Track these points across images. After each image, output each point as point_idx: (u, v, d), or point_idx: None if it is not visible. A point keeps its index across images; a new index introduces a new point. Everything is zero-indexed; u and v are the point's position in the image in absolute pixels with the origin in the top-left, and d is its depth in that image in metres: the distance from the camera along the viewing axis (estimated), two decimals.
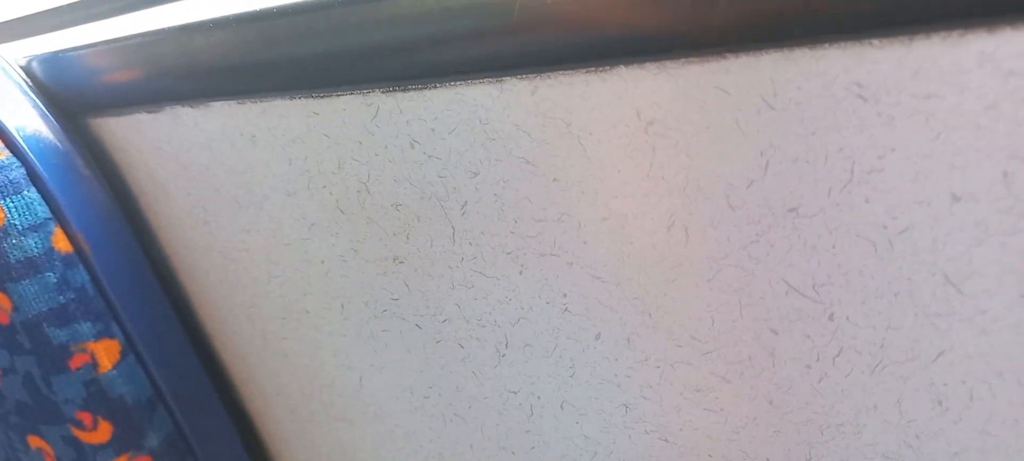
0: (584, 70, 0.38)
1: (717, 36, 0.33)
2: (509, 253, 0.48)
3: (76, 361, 0.67)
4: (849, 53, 0.31)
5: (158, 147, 0.60)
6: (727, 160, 0.36)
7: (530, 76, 0.40)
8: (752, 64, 0.33)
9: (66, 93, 0.62)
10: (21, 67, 0.64)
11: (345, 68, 0.45)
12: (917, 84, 0.30)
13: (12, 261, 0.62)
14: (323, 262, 0.58)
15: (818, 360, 0.40)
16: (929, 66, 0.30)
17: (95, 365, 0.68)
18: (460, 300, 0.53)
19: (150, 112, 0.58)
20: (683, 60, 0.35)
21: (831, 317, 0.39)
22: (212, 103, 0.54)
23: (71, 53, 0.60)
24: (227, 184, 0.58)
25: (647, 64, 0.36)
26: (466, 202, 0.47)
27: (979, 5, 0.27)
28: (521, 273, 0.48)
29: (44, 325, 0.65)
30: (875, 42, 0.30)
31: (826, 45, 0.31)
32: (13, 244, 0.62)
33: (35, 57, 0.62)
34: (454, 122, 0.44)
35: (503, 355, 0.54)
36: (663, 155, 0.38)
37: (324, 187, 0.53)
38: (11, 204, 0.62)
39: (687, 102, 0.36)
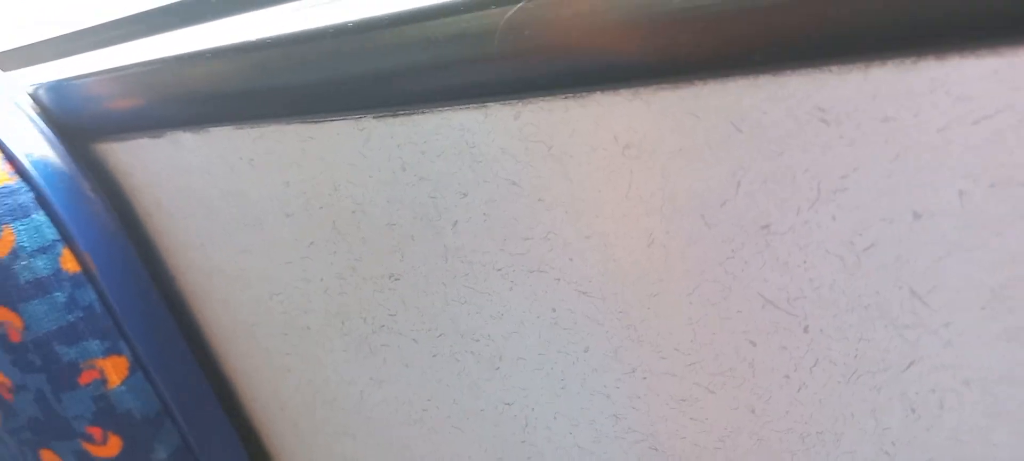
0: (563, 96, 0.39)
1: (686, 64, 0.34)
2: (499, 270, 0.49)
3: (85, 377, 0.69)
4: (810, 79, 0.32)
5: (160, 171, 0.62)
6: (700, 181, 0.38)
7: (513, 102, 0.41)
8: (720, 91, 0.35)
9: (71, 119, 0.64)
10: (29, 94, 0.66)
11: (337, 95, 0.47)
12: (875, 107, 0.32)
13: (22, 282, 0.64)
14: (322, 280, 0.60)
15: (796, 370, 0.42)
16: (885, 91, 0.31)
17: (104, 381, 0.70)
18: (454, 315, 0.54)
19: (152, 137, 0.60)
20: (655, 87, 0.36)
21: (806, 329, 0.40)
22: (211, 129, 0.56)
23: (76, 81, 0.62)
24: (226, 206, 0.60)
25: (622, 90, 0.37)
26: (456, 221, 0.49)
27: (928, 35, 0.29)
28: (511, 289, 0.50)
29: (54, 343, 0.67)
30: (834, 68, 0.32)
31: (788, 72, 0.33)
32: (23, 266, 0.64)
33: (41, 85, 0.64)
34: (442, 146, 0.45)
35: (497, 368, 0.55)
36: (640, 177, 0.40)
37: (321, 208, 0.55)
38: (20, 227, 0.64)
39: (660, 126, 0.37)
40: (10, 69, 0.76)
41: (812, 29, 0.30)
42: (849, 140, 0.33)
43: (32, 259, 0.64)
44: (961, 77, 0.29)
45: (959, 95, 0.30)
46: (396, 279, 0.55)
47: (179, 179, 0.62)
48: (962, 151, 0.31)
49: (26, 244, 0.64)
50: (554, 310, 0.49)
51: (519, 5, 0.36)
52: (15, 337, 0.67)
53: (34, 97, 0.65)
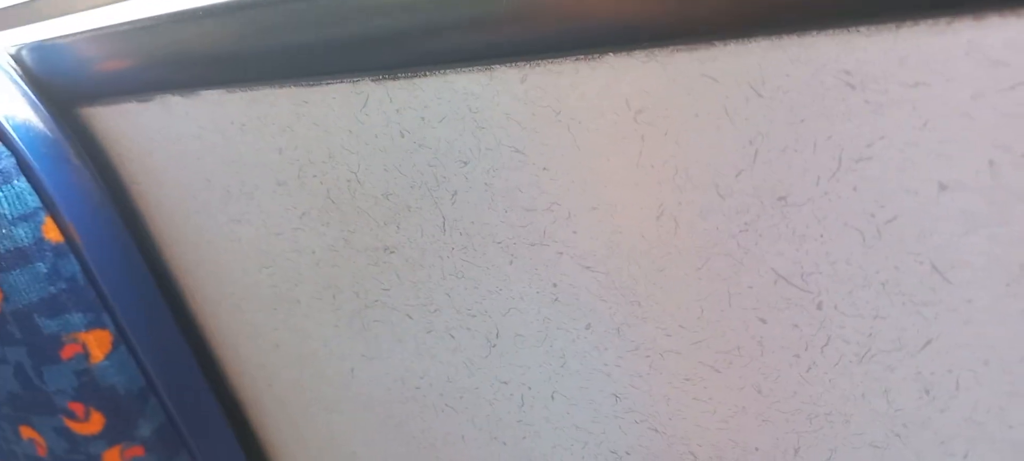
0: (573, 58, 0.38)
1: (705, 24, 0.33)
2: (499, 243, 0.48)
3: (67, 351, 0.67)
4: (837, 41, 0.31)
5: (149, 136, 0.60)
6: (716, 149, 0.36)
7: (519, 64, 0.39)
8: (741, 52, 0.33)
9: (56, 82, 0.62)
10: (11, 56, 0.63)
11: (334, 57, 0.45)
12: (905, 72, 0.30)
13: (2, 251, 0.62)
14: (314, 252, 0.58)
15: (806, 349, 0.40)
16: (916, 54, 0.30)
17: (87, 355, 0.68)
18: (450, 290, 0.53)
19: (141, 101, 0.58)
20: (672, 48, 0.35)
21: (819, 306, 0.39)
22: (202, 92, 0.54)
23: (61, 42, 0.59)
24: (217, 174, 0.58)
25: (636, 52, 0.36)
26: (456, 191, 0.47)
27: None
28: (511, 263, 0.48)
29: (35, 315, 0.65)
30: (863, 30, 0.30)
31: (814, 33, 0.31)
32: (3, 234, 0.62)
33: (25, 46, 0.62)
34: (444, 111, 0.44)
35: (494, 345, 0.54)
36: (652, 144, 0.38)
37: (314, 177, 0.53)
38: (1, 194, 0.61)
39: (676, 90, 0.36)
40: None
41: None
42: (875, 106, 0.31)
43: (13, 227, 0.62)
44: (999, 40, 0.28)
45: (997, 59, 0.28)
46: (391, 252, 0.53)
47: (169, 146, 0.59)
48: (995, 119, 0.29)
49: (7, 211, 0.62)
50: (555, 285, 0.47)
51: None
52: None
53: (16, 58, 0.63)
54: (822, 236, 0.36)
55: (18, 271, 0.63)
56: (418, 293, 0.55)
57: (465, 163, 0.45)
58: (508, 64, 0.40)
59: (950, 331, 0.36)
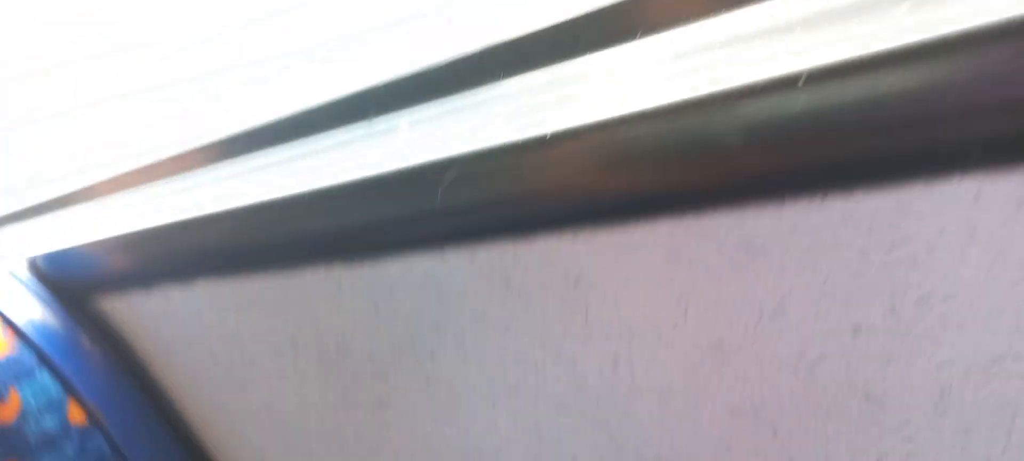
0: (511, 241, 0.41)
1: (613, 207, 0.36)
2: (480, 392, 0.50)
3: None
4: (731, 218, 0.34)
5: (155, 321, 0.64)
6: (651, 307, 0.39)
7: (466, 246, 0.43)
8: (651, 230, 0.36)
9: (68, 281, 0.67)
10: (27, 263, 0.68)
11: (305, 249, 0.49)
12: (797, 239, 0.33)
13: (33, 443, 0.66)
14: (317, 408, 0.61)
15: None
16: (803, 224, 0.32)
17: None
18: (444, 435, 0.55)
19: (144, 293, 0.62)
20: (591, 229, 0.38)
21: (775, 434, 0.41)
22: (197, 282, 0.58)
23: (71, 250, 0.64)
24: (221, 350, 0.62)
25: (563, 234, 0.39)
26: (433, 351, 0.50)
27: (831, 176, 0.30)
28: (494, 408, 0.51)
29: None
30: (751, 207, 0.33)
31: (709, 212, 0.34)
32: (32, 427, 0.66)
33: (39, 256, 0.67)
34: (409, 287, 0.47)
35: None
36: (595, 306, 0.41)
37: (306, 346, 0.56)
38: (26, 390, 0.66)
39: (604, 262, 0.39)
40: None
41: (721, 177, 0.32)
42: (779, 267, 0.34)
43: (40, 418, 0.66)
44: (868, 209, 0.30)
45: (870, 226, 0.31)
46: (385, 406, 0.56)
47: (174, 327, 0.64)
48: (885, 273, 0.32)
49: (33, 404, 0.66)
50: (538, 425, 0.50)
51: (455, 169, 0.38)
52: None
53: (31, 265, 0.68)
54: (762, 375, 0.39)
55: (49, 456, 0.67)
56: (416, 440, 0.57)
57: (436, 328, 0.48)
58: (457, 247, 0.43)
59: (895, 448, 0.37)
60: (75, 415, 0.68)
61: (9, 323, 0.66)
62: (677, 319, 0.39)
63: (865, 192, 0.30)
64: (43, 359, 0.67)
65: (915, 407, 0.36)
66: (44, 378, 0.67)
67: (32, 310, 0.67)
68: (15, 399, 0.65)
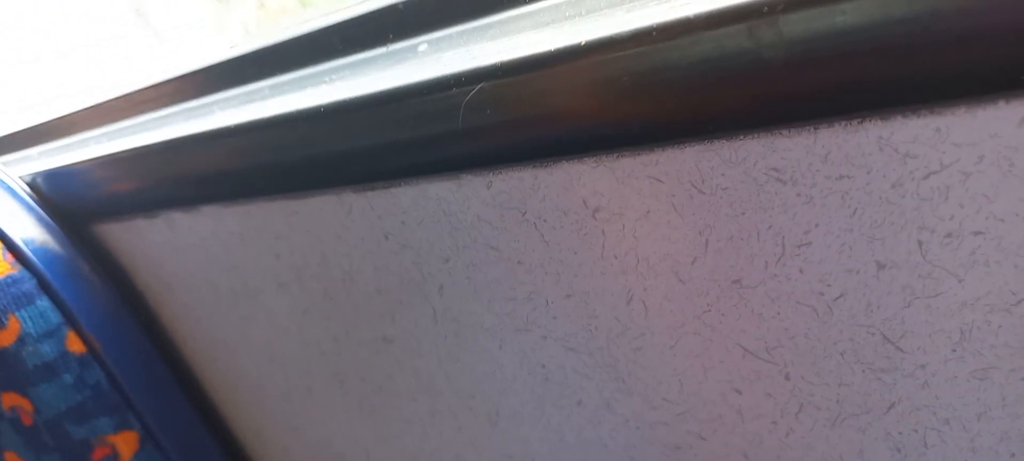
0: (531, 166, 0.40)
1: (642, 133, 0.35)
2: (487, 330, 0.50)
3: (98, 454, 0.71)
4: (762, 143, 0.33)
5: (157, 249, 0.63)
6: (670, 240, 0.39)
7: (483, 173, 0.42)
8: (677, 156, 0.35)
9: (68, 204, 0.66)
10: (26, 182, 0.67)
11: (315, 173, 0.48)
12: (828, 167, 0.32)
13: (30, 367, 0.66)
14: (319, 345, 0.61)
15: (782, 416, 0.42)
16: (836, 151, 0.32)
17: (116, 457, 0.71)
18: (449, 374, 0.55)
19: (147, 218, 0.62)
20: (616, 154, 0.37)
21: (787, 376, 0.40)
22: (201, 208, 0.57)
23: (72, 168, 0.63)
24: (223, 279, 0.61)
25: (586, 159, 0.38)
26: (442, 285, 0.49)
27: (871, 98, 0.29)
28: (501, 348, 0.50)
29: (65, 423, 0.68)
30: (784, 132, 0.32)
31: (741, 137, 0.33)
32: (30, 352, 0.65)
33: (39, 173, 0.66)
34: (421, 215, 0.46)
35: (495, 424, 0.56)
36: (612, 238, 0.40)
37: (312, 278, 0.56)
38: (25, 314, 0.65)
39: (626, 191, 0.38)
40: (4, 153, 0.78)
41: (758, 97, 0.31)
42: (807, 198, 0.33)
43: (38, 344, 0.66)
44: (905, 136, 0.30)
45: (906, 152, 0.30)
46: (390, 342, 0.56)
47: (176, 256, 0.63)
48: (916, 204, 0.31)
49: (32, 330, 0.65)
50: (544, 366, 0.49)
51: (478, 87, 0.37)
52: (27, 420, 0.69)
53: (31, 184, 0.67)
54: (779, 314, 0.38)
55: (46, 384, 0.67)
56: (419, 378, 0.57)
57: (446, 260, 0.48)
58: (474, 173, 0.42)
59: (910, 394, 0.37)
60: (74, 344, 0.68)
61: (10, 244, 0.65)
62: (696, 253, 0.38)
63: (904, 117, 0.29)
64: (43, 286, 0.66)
65: (932, 350, 0.35)
66: (44, 305, 0.66)
67: (32, 232, 0.66)
68: (14, 324, 0.65)
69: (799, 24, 0.28)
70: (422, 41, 0.44)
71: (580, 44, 0.32)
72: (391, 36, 0.45)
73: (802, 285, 0.36)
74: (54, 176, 0.65)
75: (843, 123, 0.31)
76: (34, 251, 0.66)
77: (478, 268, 0.47)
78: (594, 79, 0.34)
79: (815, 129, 0.32)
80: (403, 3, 0.43)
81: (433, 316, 0.52)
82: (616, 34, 0.31)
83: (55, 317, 0.67)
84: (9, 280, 0.64)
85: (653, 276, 0.41)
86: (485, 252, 0.45)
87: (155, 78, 0.62)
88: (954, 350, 0.35)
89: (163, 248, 0.63)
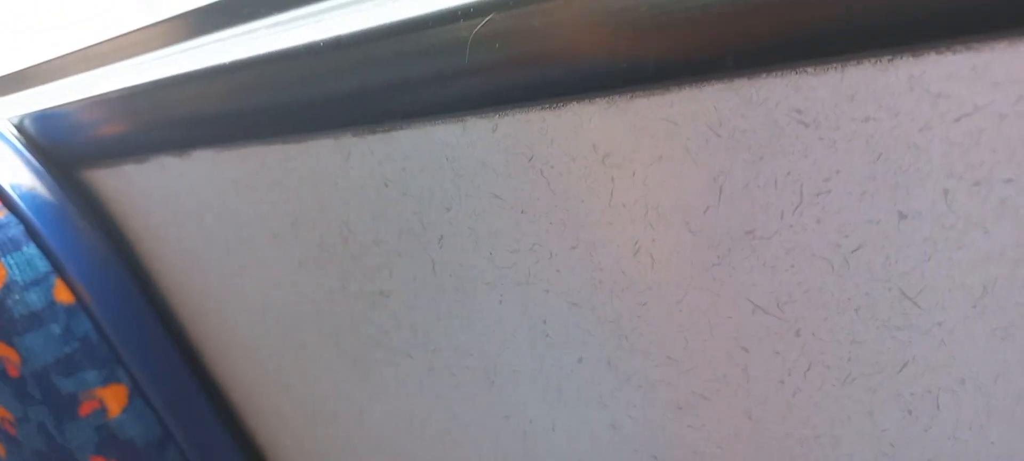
0: (539, 107, 0.38)
1: (658, 70, 0.33)
2: (488, 283, 0.49)
3: (85, 408, 0.69)
4: (786, 81, 0.31)
5: (148, 196, 0.62)
6: (682, 187, 0.37)
7: (489, 114, 0.40)
8: (695, 96, 0.34)
9: (57, 148, 0.64)
10: (13, 125, 0.65)
11: (314, 114, 0.46)
12: (854, 108, 0.31)
13: (16, 316, 0.64)
14: (314, 298, 0.59)
15: (790, 375, 0.41)
16: (863, 91, 0.30)
17: (104, 411, 0.70)
18: (446, 330, 0.53)
19: (138, 163, 0.60)
20: (630, 94, 0.35)
21: (797, 333, 0.39)
22: (194, 152, 0.55)
23: (60, 110, 0.61)
24: (216, 228, 0.60)
25: (597, 99, 0.36)
26: (442, 236, 0.48)
27: (904, 32, 0.28)
28: (501, 302, 0.49)
29: (52, 375, 0.67)
30: (810, 70, 0.31)
31: (763, 75, 0.32)
32: (16, 300, 0.64)
33: (27, 115, 0.64)
34: (423, 161, 0.45)
35: (493, 382, 0.54)
36: (622, 185, 0.39)
37: (307, 227, 0.54)
38: (11, 261, 0.63)
39: (638, 134, 0.36)
40: None
41: (785, 30, 0.29)
42: (829, 142, 0.32)
43: (25, 292, 0.64)
44: (939, 74, 0.28)
45: (938, 92, 0.29)
46: (386, 296, 0.54)
47: (168, 202, 0.61)
48: (945, 150, 0.30)
49: (18, 278, 0.64)
50: (545, 322, 0.48)
51: (487, 18, 0.35)
52: (13, 372, 0.67)
53: (18, 127, 0.65)
54: (793, 267, 0.37)
55: (33, 334, 0.65)
56: (416, 334, 0.55)
57: (448, 209, 0.46)
58: (479, 115, 0.41)
59: (925, 353, 0.36)
60: (62, 293, 0.66)
61: None
62: (709, 202, 0.37)
63: (939, 53, 0.28)
64: (31, 232, 0.65)
65: (951, 306, 0.34)
66: (31, 252, 0.64)
67: (20, 177, 0.64)
68: (1, 271, 0.63)
69: None
70: None
71: None
72: None
73: (819, 236, 0.35)
74: (42, 118, 0.63)
75: (873, 60, 0.29)
76: (22, 196, 0.64)
77: (481, 217, 0.45)
78: (609, 9, 0.32)
79: (842, 67, 0.30)
80: None
81: (432, 268, 0.50)
82: None
83: (43, 265, 0.65)
84: None
85: (662, 226, 0.39)
86: (489, 201, 0.44)
87: (148, 20, 0.60)
88: (974, 306, 0.33)
89: (154, 195, 0.61)
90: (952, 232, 0.32)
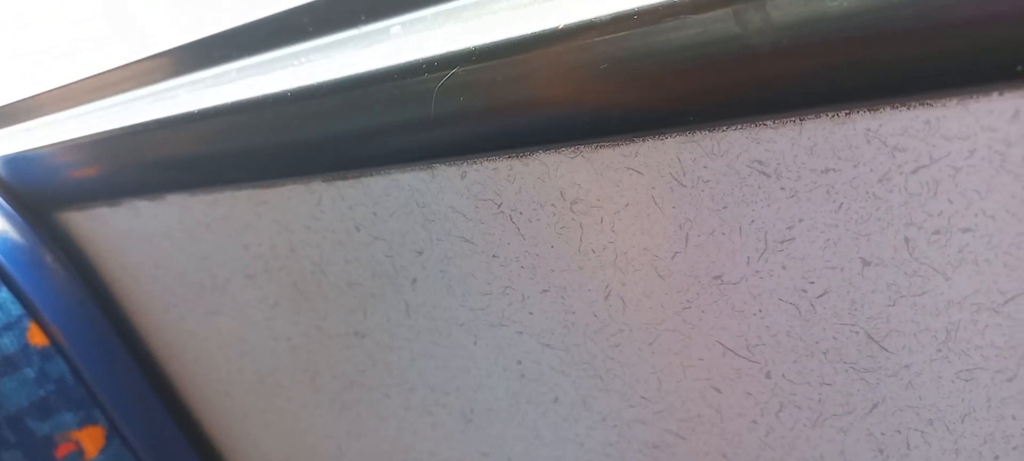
0: (507, 156, 0.39)
1: (622, 122, 0.34)
2: (462, 325, 0.49)
3: (62, 451, 0.68)
4: (746, 134, 0.32)
5: (122, 238, 0.61)
6: (649, 234, 0.37)
7: (457, 162, 0.40)
8: (659, 147, 0.34)
9: (29, 191, 0.64)
10: None
11: (284, 161, 0.46)
12: (814, 160, 0.31)
13: None
14: (289, 339, 0.59)
15: (763, 415, 0.41)
16: (822, 143, 0.30)
17: (81, 453, 0.69)
18: (422, 370, 0.53)
19: (111, 206, 0.59)
20: (595, 145, 0.36)
21: (768, 375, 0.39)
22: (167, 196, 0.55)
23: (33, 153, 0.61)
24: (190, 270, 0.59)
25: (562, 149, 0.37)
26: (415, 279, 0.48)
27: (860, 88, 0.28)
28: (475, 343, 0.49)
29: (26, 419, 0.66)
30: (769, 123, 0.31)
31: (723, 128, 0.32)
32: None
33: (0, 158, 0.64)
34: (393, 206, 0.45)
35: (470, 421, 0.54)
36: (590, 231, 0.39)
37: (280, 270, 0.54)
38: None
39: (604, 182, 0.37)
40: None
41: (743, 86, 0.30)
42: (791, 192, 0.32)
43: None
44: (894, 128, 0.29)
45: (895, 145, 0.29)
46: (362, 336, 0.54)
47: (141, 245, 0.61)
48: (904, 199, 0.30)
49: None
50: (520, 362, 0.48)
51: (452, 72, 0.35)
52: None
53: None
54: (761, 311, 0.37)
55: (6, 378, 0.64)
56: (392, 373, 0.55)
57: (419, 253, 0.46)
58: (447, 162, 0.41)
59: (894, 394, 0.36)
60: (36, 337, 0.65)
61: None
62: (677, 248, 0.37)
63: (894, 108, 0.28)
64: (3, 276, 0.64)
65: (917, 349, 0.34)
66: (3, 296, 0.64)
67: None
68: None
69: (788, 9, 0.27)
70: (395, 23, 0.43)
71: (557, 28, 0.31)
72: (363, 17, 0.43)
73: (785, 281, 0.35)
74: (15, 161, 0.63)
75: (830, 114, 0.30)
76: None
77: (452, 261, 0.45)
78: (571, 65, 0.32)
79: (801, 120, 0.30)
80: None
81: (406, 310, 0.50)
82: (595, 18, 0.30)
83: (16, 309, 0.64)
84: None
85: (632, 271, 0.39)
86: (460, 245, 0.44)
87: (121, 60, 0.60)
88: (939, 350, 0.34)
89: (128, 237, 0.60)
90: (915, 278, 0.32)
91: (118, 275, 0.65)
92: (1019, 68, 0.24)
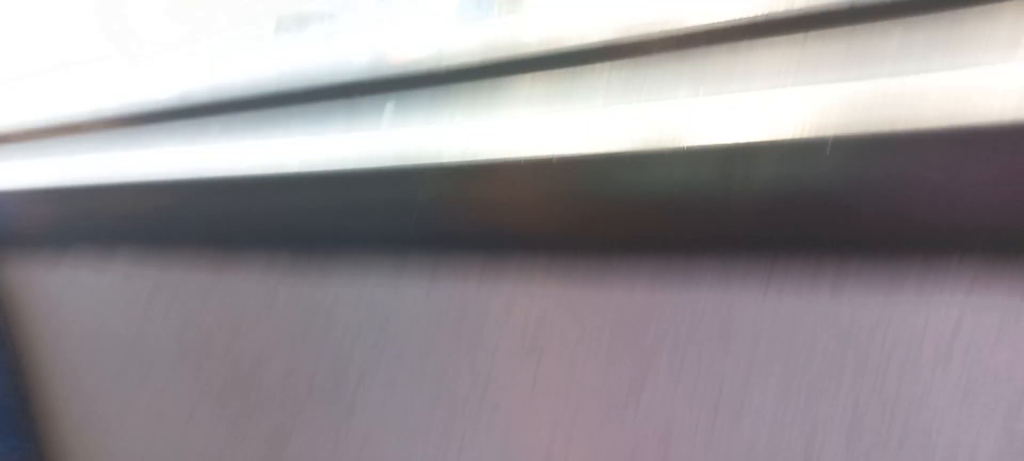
0: (477, 275, 0.39)
1: (592, 252, 0.34)
2: (400, 444, 0.47)
3: None
4: (715, 291, 0.33)
5: (53, 301, 0.59)
6: (605, 379, 0.37)
7: (426, 274, 0.41)
8: (627, 289, 0.35)
9: None
10: None
11: (242, 246, 0.45)
12: (774, 328, 0.32)
13: None
14: (207, 432, 0.56)
15: None
16: (783, 312, 0.32)
17: None
18: None
19: (50, 264, 0.57)
20: (562, 276, 0.36)
21: None
22: (111, 263, 0.53)
23: None
24: (118, 345, 0.56)
25: (535, 274, 0.37)
26: (357, 388, 0.47)
27: (829, 261, 0.30)
28: None
29: None
30: (739, 285, 0.32)
31: (694, 284, 0.33)
32: None
33: None
34: (350, 311, 0.44)
35: None
36: (547, 367, 0.39)
37: (218, 356, 0.51)
38: None
39: (567, 319, 0.37)
40: None
41: (717, 239, 0.31)
42: (749, 357, 0.33)
43: None
44: (853, 307, 0.30)
45: (850, 324, 0.30)
46: (286, 442, 0.52)
47: (72, 310, 0.58)
48: (854, 380, 0.31)
49: None
50: None
51: (432, 184, 0.36)
52: None
53: None
54: None
55: None
56: None
57: (367, 363, 0.45)
58: (415, 273, 0.41)
59: None
60: None
61: None
62: (629, 399, 0.37)
63: (853, 292, 0.29)
64: None
65: None
66: None
67: None
68: None
69: (769, 171, 0.28)
70: (391, 98, 0.42)
71: (551, 159, 0.32)
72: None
73: (732, 452, 0.35)
74: None
75: (793, 286, 0.31)
76: None
77: (401, 376, 0.44)
78: (552, 193, 0.33)
79: (766, 286, 0.32)
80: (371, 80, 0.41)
81: (341, 419, 0.48)
82: (589, 153, 0.31)
83: None
84: None
85: (582, 414, 0.39)
86: (415, 361, 0.43)
87: (118, 102, 0.59)
88: None
89: (60, 300, 0.58)
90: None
91: (39, 339, 0.62)
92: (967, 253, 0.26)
